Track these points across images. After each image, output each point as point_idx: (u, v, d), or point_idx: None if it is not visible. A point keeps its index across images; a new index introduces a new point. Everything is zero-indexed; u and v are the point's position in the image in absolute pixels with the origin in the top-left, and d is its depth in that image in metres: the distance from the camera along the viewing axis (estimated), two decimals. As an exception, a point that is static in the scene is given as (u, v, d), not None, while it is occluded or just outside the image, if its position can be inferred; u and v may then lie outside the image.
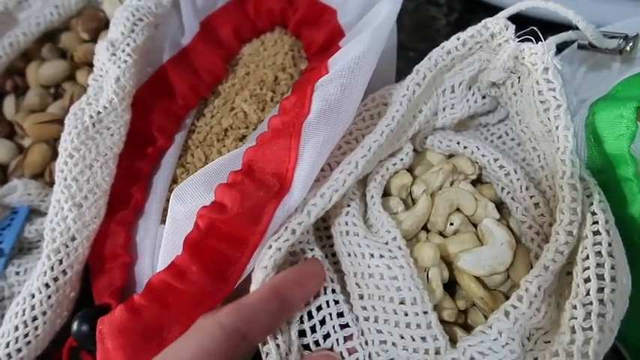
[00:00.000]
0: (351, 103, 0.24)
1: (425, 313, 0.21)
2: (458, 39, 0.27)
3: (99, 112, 0.27)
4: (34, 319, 0.25)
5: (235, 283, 0.22)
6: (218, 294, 0.22)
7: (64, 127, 0.30)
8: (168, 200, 0.29)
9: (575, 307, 0.20)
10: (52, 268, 0.25)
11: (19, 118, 0.31)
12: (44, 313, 0.25)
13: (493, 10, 0.40)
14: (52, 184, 0.30)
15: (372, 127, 0.26)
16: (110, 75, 0.28)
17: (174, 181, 0.29)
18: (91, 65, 0.33)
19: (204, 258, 0.22)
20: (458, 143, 0.27)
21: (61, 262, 0.25)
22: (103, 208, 0.27)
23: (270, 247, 0.21)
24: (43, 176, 0.31)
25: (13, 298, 0.28)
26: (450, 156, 0.29)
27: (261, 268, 0.21)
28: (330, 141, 0.23)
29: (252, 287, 0.21)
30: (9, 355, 0.25)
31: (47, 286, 0.25)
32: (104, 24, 0.34)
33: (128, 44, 0.29)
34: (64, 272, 0.25)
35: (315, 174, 0.22)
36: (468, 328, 0.23)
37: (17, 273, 0.28)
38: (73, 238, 0.25)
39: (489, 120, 0.30)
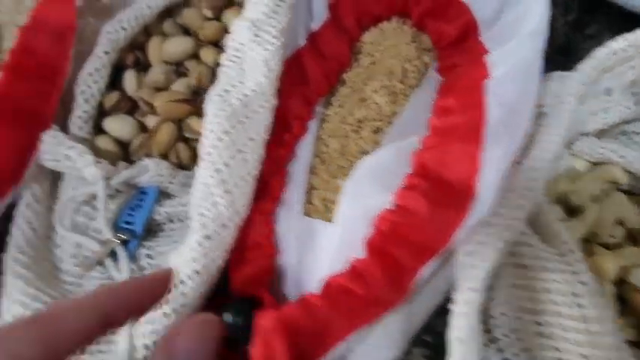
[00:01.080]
0: (527, 109, 0.23)
1: (612, 332, 0.20)
2: (625, 40, 0.26)
3: (246, 95, 0.26)
4: (182, 306, 0.24)
5: (408, 293, 0.21)
6: (390, 302, 0.21)
7: (193, 108, 0.30)
8: (307, 191, 0.28)
9: None
10: (204, 255, 0.24)
11: (146, 95, 0.30)
12: (190, 303, 0.24)
13: (612, 10, 0.39)
14: (179, 165, 0.30)
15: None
16: (256, 57, 0.27)
17: (312, 170, 0.28)
18: (214, 44, 0.32)
19: (385, 263, 0.21)
20: (613, 151, 0.27)
21: (211, 249, 0.24)
22: (252, 195, 0.26)
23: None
24: (168, 157, 0.30)
25: (145, 281, 0.27)
26: (595, 164, 0.28)
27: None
28: (512, 147, 0.22)
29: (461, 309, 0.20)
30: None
31: (197, 273, 0.24)
32: (228, 2, 0.33)
33: (274, 26, 0.28)
34: (214, 260, 0.24)
35: (500, 182, 0.22)
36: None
37: (148, 256, 0.28)
38: (224, 226, 0.25)
39: (634, 128, 0.29)
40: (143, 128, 0.31)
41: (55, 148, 0.28)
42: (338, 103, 0.31)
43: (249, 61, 0.28)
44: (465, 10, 0.32)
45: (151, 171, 0.28)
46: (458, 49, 0.32)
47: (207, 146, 0.25)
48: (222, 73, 0.28)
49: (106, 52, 0.30)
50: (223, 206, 0.25)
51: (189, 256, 0.24)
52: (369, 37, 0.34)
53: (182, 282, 0.24)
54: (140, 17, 0.31)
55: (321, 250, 0.25)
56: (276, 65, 0.27)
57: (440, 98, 0.26)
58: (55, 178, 0.30)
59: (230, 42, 0.29)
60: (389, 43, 0.34)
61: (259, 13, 0.28)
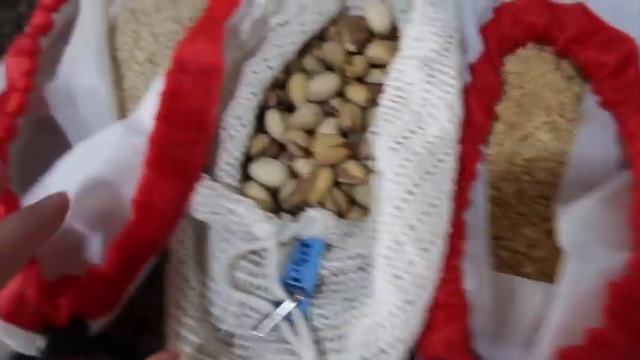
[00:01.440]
0: None
1: None
2: None
3: (430, 142, 0.25)
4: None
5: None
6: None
7: (351, 152, 0.28)
8: (491, 242, 0.26)
9: None
10: (407, 322, 0.22)
11: (296, 137, 0.28)
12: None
13: None
14: (337, 213, 0.28)
15: None
16: (433, 99, 0.25)
17: (490, 219, 0.27)
18: (359, 80, 0.30)
19: (628, 332, 0.19)
20: None
21: (413, 314, 0.22)
22: (445, 253, 0.24)
23: None
24: (325, 204, 0.28)
25: (320, 344, 0.25)
26: None
27: None
28: None
29: None
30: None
31: (400, 341, 0.22)
32: (370, 34, 0.31)
33: (449, 65, 0.26)
34: (415, 326, 0.23)
35: None
36: None
37: (321, 316, 0.26)
38: (424, 287, 0.23)
39: None
40: (291, 173, 0.29)
41: (214, 201, 0.26)
42: (496, 141, 0.29)
43: (423, 102, 0.26)
44: (624, 37, 0.30)
45: (318, 223, 0.26)
46: (622, 82, 0.30)
47: (395, 200, 0.23)
48: (391, 116, 0.26)
49: (254, 94, 0.28)
50: (422, 266, 0.23)
51: (389, 323, 0.22)
52: (511, 66, 0.33)
53: (383, 351, 0.22)
54: (285, 54, 0.29)
55: (524, 311, 0.23)
56: (460, 108, 0.25)
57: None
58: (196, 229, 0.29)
59: (392, 81, 0.27)
60: (535, 73, 0.32)
61: (428, 50, 0.26)
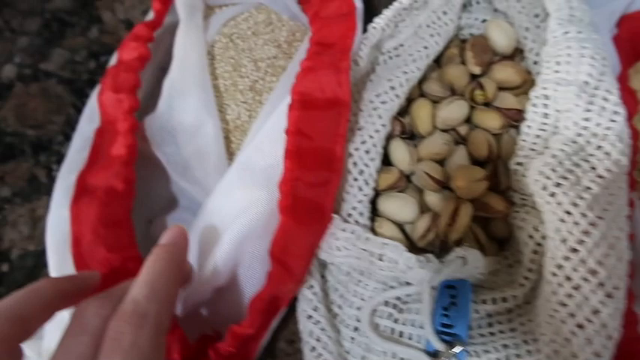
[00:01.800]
0: None
1: None
2: None
3: (602, 176, 0.22)
4: None
5: None
6: None
7: (488, 185, 0.26)
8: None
9: None
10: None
11: (430, 169, 0.26)
12: None
13: None
14: (480, 249, 0.26)
15: None
16: (596, 129, 0.23)
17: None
18: (488, 105, 0.29)
19: None
20: None
21: (602, 367, 0.21)
22: (626, 297, 0.22)
23: None
24: (464, 241, 0.26)
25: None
26: None
27: None
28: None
29: None
30: None
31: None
32: (493, 55, 0.29)
33: (610, 92, 0.24)
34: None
35: None
36: None
37: (479, 365, 0.24)
38: (609, 337, 0.21)
39: None
40: (422, 207, 0.27)
41: (354, 244, 0.24)
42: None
43: (580, 132, 0.24)
44: None
45: (470, 264, 0.24)
46: None
47: (570, 241, 0.22)
48: (542, 147, 0.24)
49: (384, 125, 0.27)
50: (607, 314, 0.21)
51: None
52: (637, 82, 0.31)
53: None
54: (411, 80, 0.27)
55: None
56: (628, 137, 0.23)
57: None
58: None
59: (539, 108, 0.25)
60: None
61: (584, 75, 0.24)
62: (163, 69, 0.32)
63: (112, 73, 0.30)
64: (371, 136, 0.26)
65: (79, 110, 0.36)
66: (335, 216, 0.25)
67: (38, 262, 0.32)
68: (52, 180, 0.33)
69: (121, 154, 0.27)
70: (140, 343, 0.17)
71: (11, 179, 0.34)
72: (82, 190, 0.26)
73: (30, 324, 0.19)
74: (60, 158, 0.33)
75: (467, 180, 0.25)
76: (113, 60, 0.31)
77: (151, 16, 0.32)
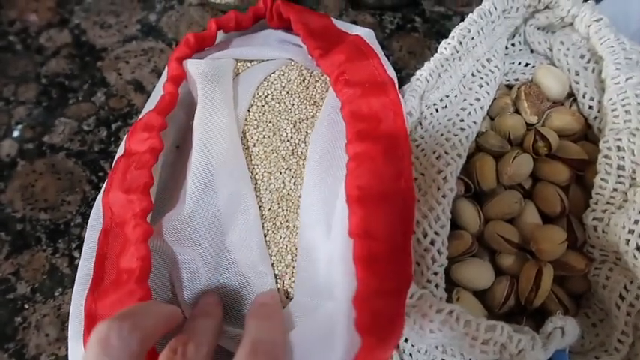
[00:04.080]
0: None
1: None
2: None
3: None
4: None
5: None
6: None
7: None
8: None
9: None
10: None
11: (504, 231, 0.25)
12: None
13: None
14: (564, 312, 0.25)
15: None
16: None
17: None
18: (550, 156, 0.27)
19: None
20: None
21: None
22: None
23: None
24: (548, 305, 0.25)
25: None
26: None
27: None
28: None
29: None
30: None
31: None
32: (547, 102, 0.28)
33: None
34: None
35: None
36: None
37: None
38: None
39: None
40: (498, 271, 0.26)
41: (454, 327, 0.22)
42: None
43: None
44: None
45: (568, 334, 0.22)
46: None
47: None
48: (623, 201, 0.23)
49: (451, 190, 0.25)
50: None
51: None
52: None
53: None
54: (470, 137, 0.26)
55: None
56: None
57: None
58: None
59: (613, 160, 0.24)
60: None
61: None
62: (178, 147, 0.29)
63: (122, 168, 0.25)
64: (438, 202, 0.25)
65: (95, 187, 0.33)
66: (425, 292, 0.23)
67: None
68: (75, 269, 0.30)
69: (132, 268, 0.23)
70: None
71: (28, 273, 0.30)
72: (92, 321, 0.23)
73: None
74: (81, 243, 0.29)
75: (550, 243, 0.24)
76: (120, 149, 0.27)
77: (163, 77, 0.29)
